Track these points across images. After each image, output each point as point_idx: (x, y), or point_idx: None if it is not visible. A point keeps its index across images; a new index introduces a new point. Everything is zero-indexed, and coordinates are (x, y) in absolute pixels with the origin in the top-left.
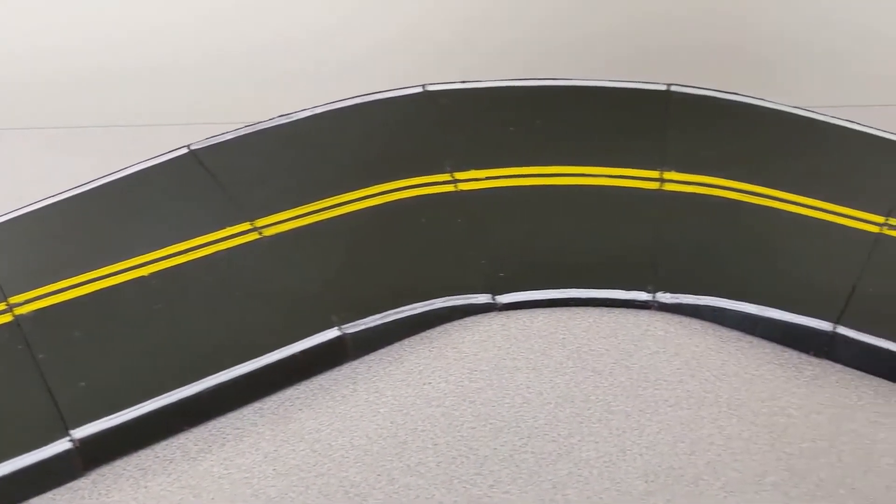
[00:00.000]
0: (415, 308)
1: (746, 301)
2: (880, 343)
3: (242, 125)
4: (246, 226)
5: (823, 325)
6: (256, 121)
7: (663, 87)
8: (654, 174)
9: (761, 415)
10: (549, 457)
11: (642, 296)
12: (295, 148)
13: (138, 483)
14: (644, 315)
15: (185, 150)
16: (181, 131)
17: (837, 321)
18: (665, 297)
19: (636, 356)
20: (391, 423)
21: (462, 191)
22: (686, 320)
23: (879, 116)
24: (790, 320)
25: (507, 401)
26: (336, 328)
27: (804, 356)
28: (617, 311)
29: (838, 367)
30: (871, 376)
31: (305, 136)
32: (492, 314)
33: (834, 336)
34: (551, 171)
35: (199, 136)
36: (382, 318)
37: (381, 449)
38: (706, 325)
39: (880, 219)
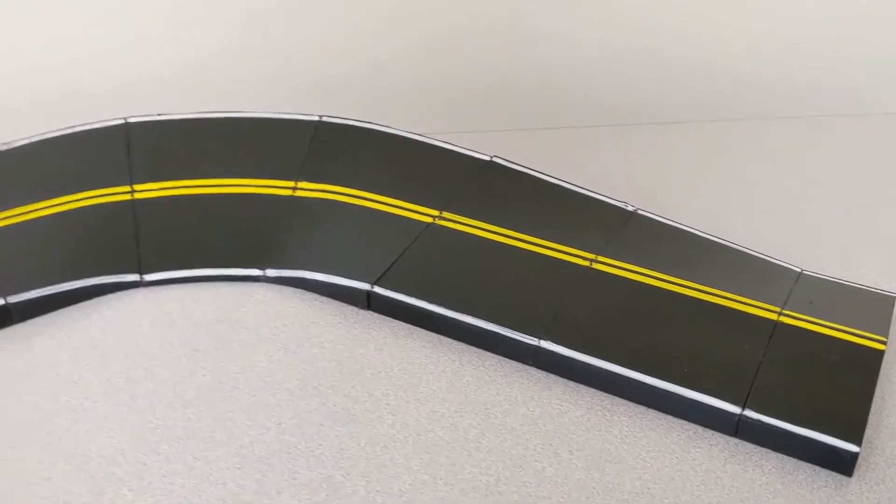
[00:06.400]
0: (71, 284)
1: (323, 272)
2: (411, 301)
3: None
4: None
5: (362, 286)
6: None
7: (315, 118)
8: (290, 184)
9: (293, 344)
10: None
11: (255, 272)
12: (10, 168)
13: None
14: (255, 285)
15: None
16: None
17: (373, 284)
18: (271, 272)
19: (233, 312)
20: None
21: (137, 199)
22: (285, 289)
23: None
24: (339, 283)
25: (123, 348)
26: (1, 298)
27: (356, 309)
28: (238, 283)
29: (377, 316)
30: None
31: (20, 158)
32: (139, 289)
33: (370, 294)
34: (212, 183)
35: None
36: (42, 292)
37: None
38: (298, 292)
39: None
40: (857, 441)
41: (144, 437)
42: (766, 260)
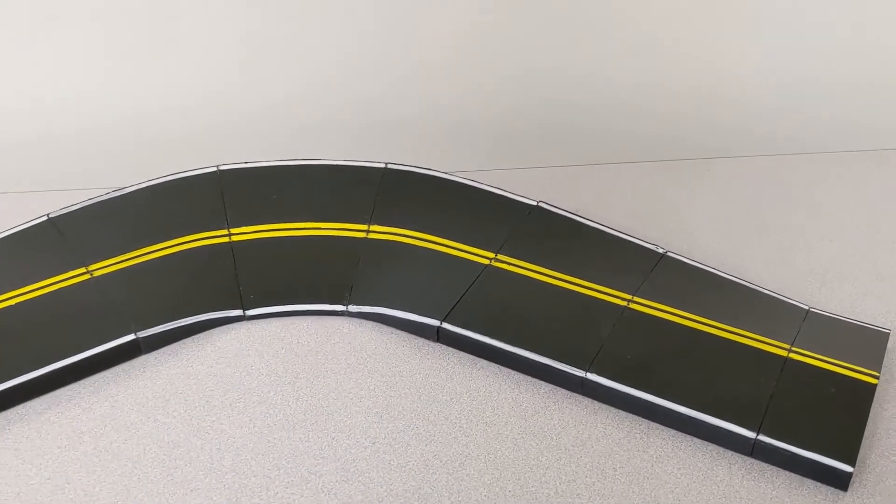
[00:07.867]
0: (188, 320)
1: (398, 309)
2: (476, 336)
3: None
4: (81, 270)
5: (433, 322)
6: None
7: (381, 165)
8: (363, 227)
9: (378, 373)
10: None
11: (339, 307)
12: (122, 214)
13: None
14: (340, 319)
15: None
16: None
17: (443, 320)
18: (353, 308)
19: (325, 344)
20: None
21: (234, 241)
22: (366, 322)
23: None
24: (413, 319)
25: (237, 375)
26: (133, 334)
27: (427, 341)
28: (325, 317)
29: (446, 348)
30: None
31: (130, 204)
32: (242, 322)
33: (440, 329)
34: (296, 226)
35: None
36: (165, 327)
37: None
38: (377, 325)
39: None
40: (851, 462)
41: (266, 454)
42: (779, 299)
